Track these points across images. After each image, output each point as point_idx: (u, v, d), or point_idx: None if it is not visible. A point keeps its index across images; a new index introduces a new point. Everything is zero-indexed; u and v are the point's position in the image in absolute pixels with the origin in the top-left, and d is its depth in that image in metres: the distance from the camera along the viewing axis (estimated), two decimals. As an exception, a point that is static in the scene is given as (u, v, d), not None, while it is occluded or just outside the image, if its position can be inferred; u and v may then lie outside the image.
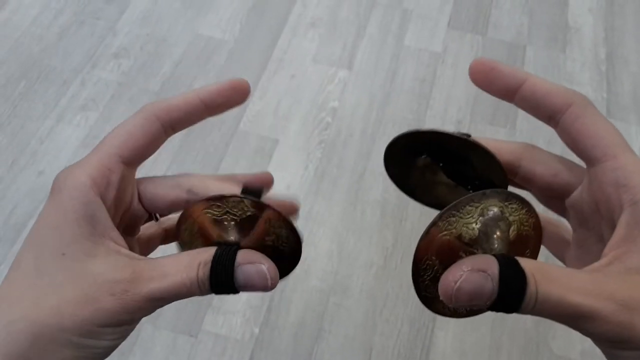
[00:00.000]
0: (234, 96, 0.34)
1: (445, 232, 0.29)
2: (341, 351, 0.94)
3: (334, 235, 1.05)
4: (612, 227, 0.28)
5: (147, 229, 0.37)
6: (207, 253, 0.29)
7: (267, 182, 0.37)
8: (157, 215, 0.36)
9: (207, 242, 0.32)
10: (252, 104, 1.22)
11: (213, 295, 0.99)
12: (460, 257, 0.29)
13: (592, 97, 1.25)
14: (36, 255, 0.29)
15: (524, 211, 0.30)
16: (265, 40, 1.33)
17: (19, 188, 1.10)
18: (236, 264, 0.29)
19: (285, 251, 0.33)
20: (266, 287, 0.29)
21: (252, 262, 0.29)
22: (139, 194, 0.34)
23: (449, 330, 0.95)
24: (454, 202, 0.29)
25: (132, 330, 0.30)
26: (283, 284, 1.00)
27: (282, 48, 1.32)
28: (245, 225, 0.31)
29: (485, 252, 0.29)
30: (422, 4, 1.40)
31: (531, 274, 0.26)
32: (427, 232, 0.29)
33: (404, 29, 1.36)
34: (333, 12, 1.38)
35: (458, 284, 0.26)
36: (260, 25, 1.36)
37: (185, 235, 0.33)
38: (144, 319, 0.95)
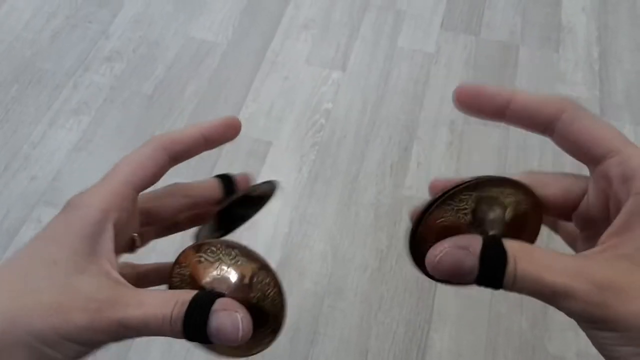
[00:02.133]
0: (229, 133, 0.37)
1: (442, 219, 0.30)
2: (337, 354, 0.94)
3: (328, 237, 1.05)
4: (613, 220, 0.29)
5: (121, 269, 0.38)
6: (187, 294, 0.29)
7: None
8: (138, 244, 0.37)
9: (196, 288, 0.32)
10: (245, 106, 1.22)
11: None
12: None
13: (585, 96, 1.25)
14: (30, 259, 0.30)
15: (520, 192, 0.31)
16: (258, 43, 1.33)
17: (11, 193, 1.10)
18: (213, 309, 0.29)
19: (268, 313, 0.32)
20: (236, 337, 0.29)
21: (227, 310, 0.29)
22: (141, 211, 0.35)
23: (444, 332, 0.95)
24: (449, 192, 0.30)
25: (91, 354, 0.30)
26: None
27: (275, 50, 1.32)
28: (234, 277, 0.32)
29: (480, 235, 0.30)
30: (415, 5, 1.40)
31: (512, 253, 0.27)
32: (424, 222, 0.30)
33: (397, 30, 1.35)
34: (326, 14, 1.38)
35: (439, 257, 0.28)
36: (253, 27, 1.36)
37: (177, 280, 0.33)
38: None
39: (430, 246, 0.30)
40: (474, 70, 1.28)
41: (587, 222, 0.32)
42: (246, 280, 0.31)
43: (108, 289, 0.29)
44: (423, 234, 0.31)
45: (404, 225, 1.06)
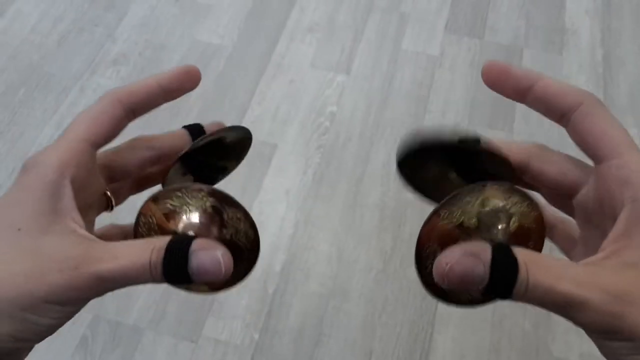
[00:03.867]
0: (188, 81, 0.35)
1: (446, 221, 0.30)
2: (341, 355, 0.94)
3: (333, 239, 1.06)
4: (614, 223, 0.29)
5: (107, 230, 0.38)
6: (162, 240, 0.29)
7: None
8: (112, 203, 0.36)
9: (165, 234, 0.32)
10: (251, 109, 1.23)
11: (214, 299, 0.99)
12: None
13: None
14: None
15: (525, 204, 0.31)
16: (264, 46, 1.34)
17: (19, 195, 1.11)
18: (191, 250, 0.29)
19: (244, 248, 0.33)
20: (219, 275, 0.29)
21: (206, 249, 0.29)
22: (105, 169, 0.35)
23: (448, 333, 0.96)
24: (455, 192, 0.30)
25: (76, 312, 0.30)
26: (283, 287, 1.00)
27: (280, 53, 1.33)
28: (203, 217, 0.31)
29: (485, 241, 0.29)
30: (419, 8, 1.41)
31: (523, 261, 0.26)
32: (429, 220, 0.30)
33: (401, 33, 1.36)
34: (331, 17, 1.39)
35: (449, 265, 0.27)
36: (259, 30, 1.37)
37: (144, 229, 0.33)
38: (144, 324, 0.95)
39: (430, 250, 0.31)
40: (477, 73, 1.29)
41: (585, 214, 0.32)
42: (217, 219, 0.31)
43: (79, 246, 0.29)
44: (425, 236, 0.31)
45: (409, 227, 1.06)
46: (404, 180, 0.38)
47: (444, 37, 1.36)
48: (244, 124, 1.20)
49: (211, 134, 0.38)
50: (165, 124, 1.18)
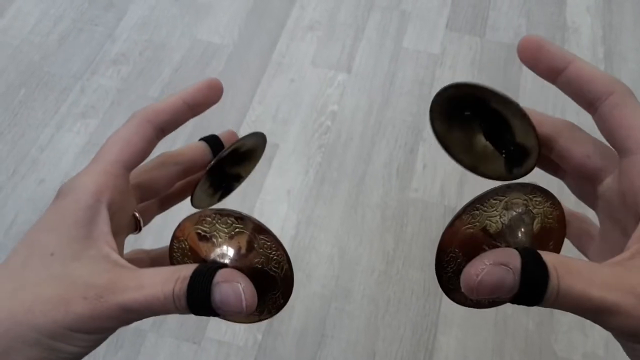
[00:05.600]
0: (212, 95, 0.36)
1: (469, 225, 0.29)
2: (344, 357, 0.94)
3: (335, 239, 1.06)
4: (637, 220, 0.28)
5: (135, 255, 0.37)
6: (188, 269, 0.29)
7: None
8: (141, 224, 0.36)
9: (197, 260, 0.32)
10: (252, 109, 1.22)
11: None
12: (484, 250, 0.29)
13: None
14: (27, 253, 0.29)
15: (548, 204, 0.31)
16: (264, 45, 1.34)
17: (19, 196, 1.11)
18: (214, 281, 0.28)
19: (275, 276, 0.32)
20: (241, 309, 0.28)
21: (228, 281, 0.28)
22: (135, 188, 0.35)
23: (451, 334, 0.96)
24: (478, 195, 0.29)
25: (102, 340, 0.30)
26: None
27: (280, 52, 1.32)
28: (233, 245, 0.31)
29: (508, 245, 0.29)
30: (420, 6, 1.40)
31: (553, 267, 0.26)
32: (451, 224, 0.30)
33: (402, 31, 1.36)
34: (331, 15, 1.38)
35: (480, 277, 0.26)
36: (259, 29, 1.36)
37: (178, 254, 0.33)
38: (146, 326, 0.95)
39: (452, 255, 0.30)
40: (479, 71, 1.28)
41: (607, 206, 0.31)
42: (247, 247, 0.31)
43: (107, 273, 0.28)
44: (447, 240, 0.30)
45: (411, 228, 1.06)
46: (433, 129, 0.37)
47: (445, 36, 1.35)
48: (244, 124, 1.20)
49: (231, 145, 0.38)
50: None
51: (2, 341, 0.27)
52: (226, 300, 0.28)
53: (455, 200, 1.06)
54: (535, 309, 0.96)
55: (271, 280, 0.32)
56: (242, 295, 0.28)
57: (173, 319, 0.97)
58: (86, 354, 0.30)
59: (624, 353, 0.28)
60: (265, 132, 0.40)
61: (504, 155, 0.35)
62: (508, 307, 0.97)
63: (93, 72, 1.28)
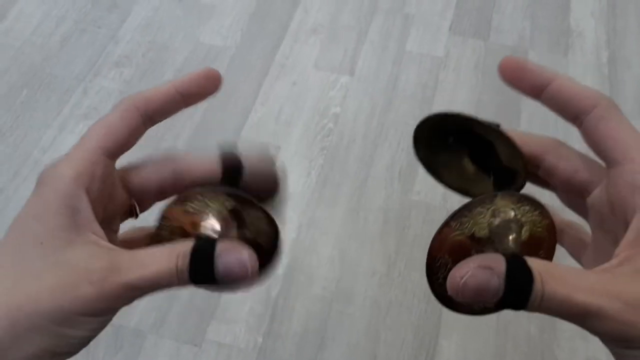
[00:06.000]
0: (208, 85, 0.35)
1: (457, 232, 0.30)
2: (345, 359, 0.94)
3: (336, 242, 1.05)
4: (626, 229, 0.29)
5: (131, 234, 0.37)
6: (186, 245, 0.29)
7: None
8: (137, 211, 0.36)
9: (186, 237, 0.32)
10: (254, 111, 1.22)
11: (216, 304, 0.98)
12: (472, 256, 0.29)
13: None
14: (15, 245, 0.29)
15: (536, 212, 0.31)
16: (267, 47, 1.33)
17: (21, 198, 1.10)
18: (216, 253, 0.29)
19: (266, 247, 0.33)
20: (246, 276, 0.29)
21: (230, 251, 0.29)
22: (124, 183, 0.34)
23: (453, 338, 0.95)
24: (466, 203, 0.30)
25: (108, 322, 0.30)
26: (286, 291, 0.99)
27: (283, 54, 1.32)
28: (223, 220, 0.31)
29: (496, 252, 0.29)
30: (423, 9, 1.40)
31: (538, 272, 0.26)
32: (440, 231, 0.30)
33: (405, 34, 1.35)
34: (334, 18, 1.38)
35: (464, 279, 0.27)
36: (262, 31, 1.36)
37: (166, 233, 0.33)
38: (146, 328, 0.95)
39: (442, 261, 0.30)
40: (482, 74, 1.28)
41: (598, 216, 0.32)
42: (238, 221, 0.31)
43: (104, 257, 0.29)
44: (436, 247, 0.30)
45: (412, 231, 1.06)
46: (418, 157, 0.38)
47: (448, 39, 1.35)
48: (247, 126, 1.20)
49: (251, 200, 0.34)
50: (167, 123, 1.18)
51: (10, 333, 0.27)
52: (230, 269, 0.28)
53: (457, 204, 1.05)
54: (536, 314, 0.96)
55: (263, 250, 0.32)
56: (248, 262, 0.29)
57: (173, 320, 0.96)
58: (94, 337, 0.30)
59: None
60: (267, 134, 0.39)
61: (491, 178, 0.36)
62: (510, 312, 0.96)
63: (95, 73, 1.28)
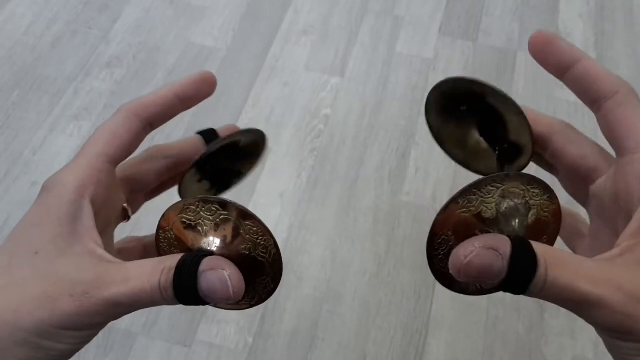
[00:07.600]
0: (204, 88, 0.35)
1: (464, 209, 0.29)
2: (335, 359, 0.94)
3: (327, 242, 1.06)
4: (629, 220, 0.28)
5: (127, 243, 0.37)
6: (173, 259, 0.28)
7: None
8: (129, 213, 0.36)
9: (184, 250, 0.31)
10: (245, 112, 1.23)
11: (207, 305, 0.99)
12: (476, 235, 0.29)
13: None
14: (11, 253, 0.29)
15: (545, 197, 0.30)
16: (258, 48, 1.34)
17: (12, 199, 1.10)
18: (200, 270, 0.28)
19: (265, 261, 0.32)
20: (228, 296, 0.28)
21: (214, 269, 0.28)
22: (123, 182, 0.34)
23: (442, 337, 0.96)
24: (476, 180, 0.29)
25: (94, 335, 0.30)
26: (277, 291, 1.00)
27: (274, 56, 1.33)
28: (219, 231, 0.31)
29: (501, 233, 0.29)
30: (413, 11, 1.41)
31: (542, 257, 0.26)
32: (446, 207, 0.30)
33: (395, 36, 1.36)
34: (325, 20, 1.39)
35: (468, 258, 0.26)
36: (253, 33, 1.37)
37: (164, 244, 0.32)
38: (136, 329, 0.95)
39: (444, 237, 0.30)
40: (471, 75, 1.28)
41: (599, 205, 0.32)
42: (233, 233, 0.30)
43: (91, 269, 0.28)
44: (440, 222, 0.30)
45: (403, 231, 1.06)
46: (428, 121, 0.37)
47: (438, 40, 1.36)
48: (238, 127, 1.19)
49: (224, 138, 0.37)
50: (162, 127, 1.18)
51: None
52: (213, 288, 0.28)
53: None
54: (525, 312, 0.97)
55: (260, 266, 0.32)
56: (229, 282, 0.28)
57: (164, 322, 0.97)
58: (77, 350, 0.29)
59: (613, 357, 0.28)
60: (259, 135, 0.40)
61: (497, 152, 0.36)
62: (499, 310, 0.97)
63: (87, 74, 1.28)
